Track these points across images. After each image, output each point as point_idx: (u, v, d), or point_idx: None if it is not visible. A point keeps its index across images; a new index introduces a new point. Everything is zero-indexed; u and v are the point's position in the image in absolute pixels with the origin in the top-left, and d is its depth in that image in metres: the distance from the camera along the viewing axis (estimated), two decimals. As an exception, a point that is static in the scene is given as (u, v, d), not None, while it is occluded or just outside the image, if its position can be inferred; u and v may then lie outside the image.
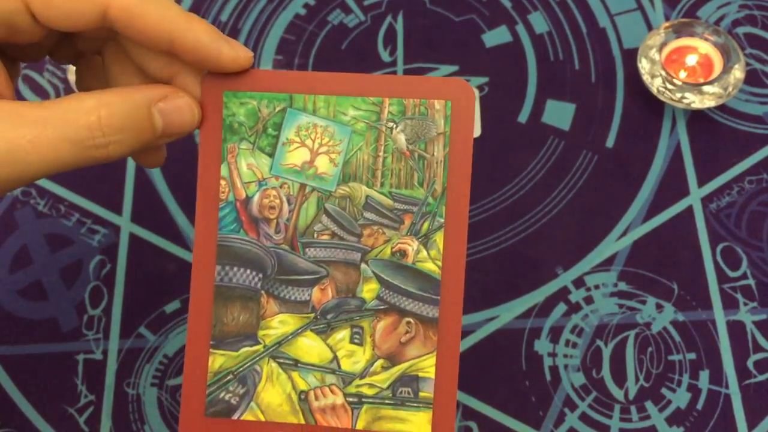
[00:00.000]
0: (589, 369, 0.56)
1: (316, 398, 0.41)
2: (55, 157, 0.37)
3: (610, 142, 0.63)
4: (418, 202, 0.41)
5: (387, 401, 0.41)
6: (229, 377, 0.42)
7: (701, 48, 0.63)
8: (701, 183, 0.61)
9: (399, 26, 0.67)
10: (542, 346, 0.57)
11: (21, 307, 0.59)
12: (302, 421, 0.41)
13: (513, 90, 0.65)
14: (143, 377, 0.56)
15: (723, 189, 0.61)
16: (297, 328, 0.42)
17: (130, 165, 0.63)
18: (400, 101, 0.41)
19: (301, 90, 0.41)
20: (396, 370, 0.41)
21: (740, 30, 0.66)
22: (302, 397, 0.41)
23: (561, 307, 0.58)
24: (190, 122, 0.41)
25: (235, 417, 0.41)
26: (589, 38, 0.67)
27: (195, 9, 0.68)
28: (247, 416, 0.41)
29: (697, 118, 0.63)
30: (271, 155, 0.42)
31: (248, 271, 0.42)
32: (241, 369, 0.42)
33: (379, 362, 0.41)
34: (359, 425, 0.41)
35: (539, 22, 0.67)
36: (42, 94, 0.66)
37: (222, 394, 0.42)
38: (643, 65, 0.62)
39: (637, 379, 0.56)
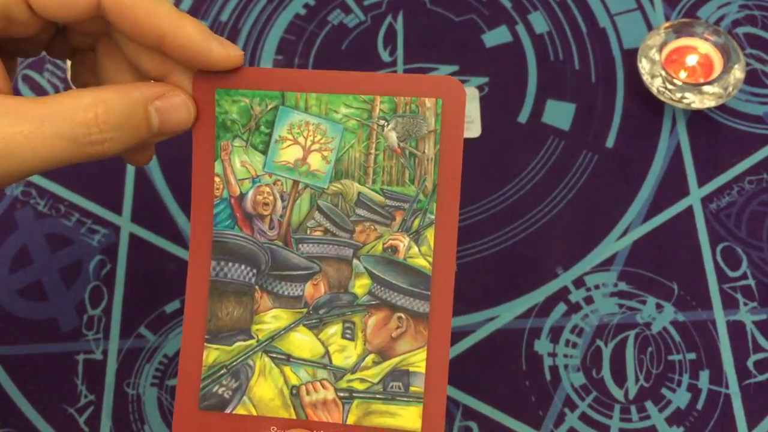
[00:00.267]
0: (589, 369, 0.56)
1: (308, 393, 0.41)
2: (51, 153, 0.37)
3: (610, 142, 0.63)
4: (409, 199, 0.41)
5: (378, 396, 0.41)
6: (222, 371, 0.42)
7: (701, 48, 0.63)
8: (701, 183, 0.61)
9: (399, 26, 0.68)
10: (542, 346, 0.57)
11: (21, 307, 0.59)
12: (294, 416, 0.41)
13: (513, 90, 0.65)
14: (143, 377, 0.57)
15: (723, 189, 0.61)
16: (290, 323, 0.42)
17: (130, 165, 0.63)
18: (391, 99, 0.41)
19: (293, 88, 0.42)
20: (387, 365, 0.41)
21: (740, 30, 0.66)
22: (294, 391, 0.41)
23: (561, 307, 0.58)
24: (186, 121, 0.41)
25: (227, 411, 0.42)
26: (589, 38, 0.67)
27: (195, 9, 0.69)
28: (240, 410, 0.42)
29: (697, 118, 0.63)
30: (264, 152, 0.42)
31: (243, 267, 0.42)
32: (234, 363, 0.42)
33: (371, 357, 0.41)
34: (350, 420, 0.41)
35: (539, 22, 0.67)
36: (42, 93, 0.66)
37: (215, 388, 0.42)
38: (643, 65, 0.62)
39: (637, 379, 0.56)
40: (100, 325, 0.58)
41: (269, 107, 0.42)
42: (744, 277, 0.58)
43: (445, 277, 0.41)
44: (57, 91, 0.66)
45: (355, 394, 0.41)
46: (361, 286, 0.42)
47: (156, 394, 0.56)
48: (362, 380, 0.41)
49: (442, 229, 0.41)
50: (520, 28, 0.67)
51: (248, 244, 0.42)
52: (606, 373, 0.56)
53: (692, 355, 0.56)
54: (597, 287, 0.58)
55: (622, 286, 0.58)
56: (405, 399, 0.41)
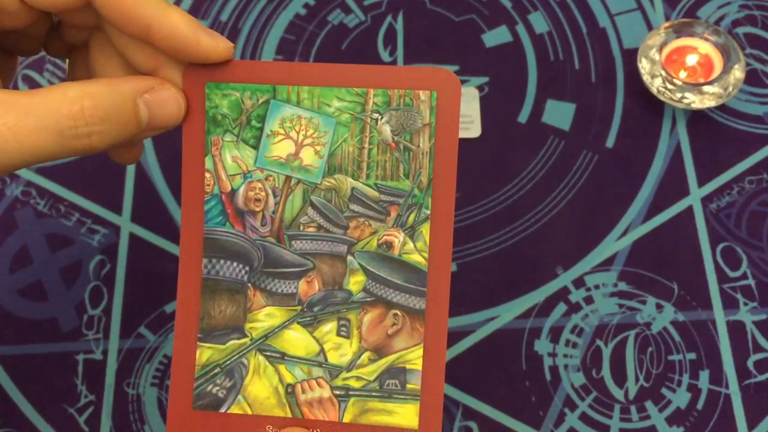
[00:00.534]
0: (589, 369, 0.56)
1: (303, 391, 0.41)
2: (36, 145, 0.37)
3: (610, 142, 0.63)
4: (403, 193, 0.41)
5: (374, 394, 0.41)
6: (216, 370, 0.41)
7: (701, 48, 0.63)
8: (701, 183, 0.61)
9: (399, 26, 0.68)
10: (542, 346, 0.57)
11: (21, 307, 0.59)
12: (289, 414, 0.41)
13: (513, 90, 0.65)
14: (143, 377, 0.57)
15: (723, 189, 0.61)
16: (284, 320, 0.41)
17: (130, 165, 0.63)
18: (384, 92, 0.41)
19: (284, 81, 0.41)
20: (383, 363, 0.41)
21: (740, 30, 0.66)
22: (289, 390, 0.41)
23: (561, 307, 0.58)
24: (177, 115, 0.41)
25: (222, 410, 0.41)
26: (589, 38, 0.67)
27: (195, 9, 0.69)
28: (235, 409, 0.41)
29: (697, 118, 0.63)
30: (255, 147, 0.41)
31: (235, 264, 0.42)
32: (228, 362, 0.41)
33: (366, 354, 0.41)
34: (346, 418, 0.41)
35: (539, 22, 0.67)
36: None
37: (209, 387, 0.41)
38: (643, 65, 0.62)
39: (637, 379, 0.56)
40: (100, 325, 0.58)
41: (260, 101, 0.41)
42: (744, 277, 0.58)
43: (441, 273, 0.41)
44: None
45: (351, 392, 0.41)
46: (355, 282, 0.41)
47: (156, 394, 0.56)
48: (358, 378, 0.41)
49: (438, 224, 0.41)
50: (520, 28, 0.67)
51: (240, 240, 0.42)
52: (606, 373, 0.56)
53: (692, 355, 0.56)
54: (597, 287, 0.58)
55: (622, 286, 0.58)
56: (402, 397, 0.41)
